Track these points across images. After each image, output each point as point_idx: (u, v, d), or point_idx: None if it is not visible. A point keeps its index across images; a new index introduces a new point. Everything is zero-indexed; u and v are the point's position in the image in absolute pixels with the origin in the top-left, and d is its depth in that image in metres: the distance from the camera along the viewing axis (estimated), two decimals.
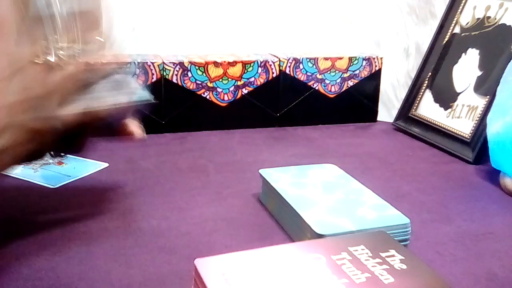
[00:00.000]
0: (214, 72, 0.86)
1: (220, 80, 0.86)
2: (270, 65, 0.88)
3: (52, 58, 0.44)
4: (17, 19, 0.43)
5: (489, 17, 0.84)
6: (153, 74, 0.82)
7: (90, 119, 0.48)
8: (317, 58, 0.91)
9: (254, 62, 0.87)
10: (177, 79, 0.84)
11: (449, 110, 0.85)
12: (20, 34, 0.44)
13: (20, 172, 0.66)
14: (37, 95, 0.43)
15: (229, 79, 0.87)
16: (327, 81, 0.92)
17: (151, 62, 0.82)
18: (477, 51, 0.84)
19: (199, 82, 0.85)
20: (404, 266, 0.41)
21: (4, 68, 0.42)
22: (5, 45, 0.43)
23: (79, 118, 0.46)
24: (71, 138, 0.50)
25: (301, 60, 0.90)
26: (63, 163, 0.70)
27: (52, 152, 0.52)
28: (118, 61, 0.49)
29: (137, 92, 0.54)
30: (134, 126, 0.55)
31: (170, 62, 0.83)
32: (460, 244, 0.54)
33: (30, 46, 0.44)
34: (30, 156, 0.47)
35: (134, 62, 0.81)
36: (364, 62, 0.94)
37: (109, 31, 0.48)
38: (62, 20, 0.47)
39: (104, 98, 0.50)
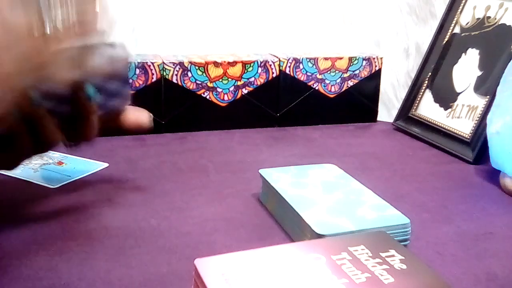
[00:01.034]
0: (214, 72, 0.86)
1: (220, 80, 0.86)
2: (270, 65, 0.88)
3: (48, 30, 0.43)
4: None
5: (489, 17, 0.85)
6: (153, 74, 0.82)
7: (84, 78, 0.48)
8: (317, 58, 0.91)
9: (254, 62, 0.87)
10: (177, 79, 0.84)
11: (449, 110, 0.85)
12: (16, 6, 0.43)
13: (20, 172, 0.66)
14: (35, 66, 0.43)
15: (229, 79, 0.87)
16: (327, 81, 0.92)
17: (151, 62, 0.82)
18: (477, 51, 0.84)
19: (199, 82, 0.85)
20: (404, 266, 0.41)
21: (1, 38, 0.41)
22: (1, 15, 0.42)
23: (75, 78, 0.46)
24: (78, 124, 0.50)
25: (301, 60, 0.90)
26: (63, 163, 0.70)
27: (66, 142, 0.52)
28: (112, 30, 0.49)
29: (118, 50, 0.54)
30: (141, 115, 0.56)
31: (170, 62, 0.83)
32: (460, 244, 0.54)
33: (26, 18, 0.43)
34: (36, 146, 0.46)
35: (134, 63, 0.81)
36: (364, 62, 0.94)
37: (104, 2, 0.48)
38: None
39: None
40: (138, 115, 0.56)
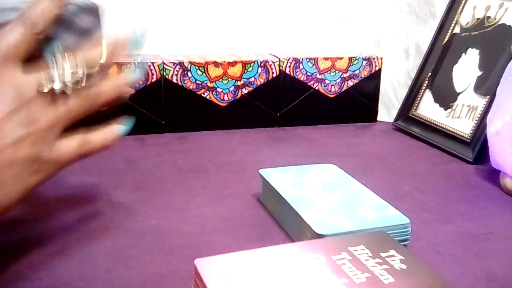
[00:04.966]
0: (214, 72, 0.86)
1: (220, 80, 0.86)
2: (270, 65, 0.88)
3: (57, 86, 0.43)
4: (24, 46, 0.42)
5: (489, 17, 0.85)
6: (153, 74, 0.82)
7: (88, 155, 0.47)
8: (317, 58, 0.91)
9: (254, 62, 0.87)
10: (177, 79, 0.84)
11: (449, 110, 0.85)
12: (26, 62, 0.43)
13: None
14: (41, 128, 0.42)
15: (229, 79, 0.87)
16: (327, 81, 0.92)
17: (151, 62, 0.82)
18: (477, 51, 0.84)
19: (199, 82, 0.85)
20: (404, 266, 0.41)
21: (12, 100, 0.41)
22: (12, 74, 0.42)
23: (77, 156, 0.46)
24: None
25: (301, 60, 0.90)
26: None
27: None
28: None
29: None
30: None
31: (170, 62, 0.83)
32: (460, 244, 0.54)
33: (36, 74, 0.43)
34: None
35: (134, 63, 0.81)
36: (364, 62, 0.94)
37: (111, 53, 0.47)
38: (65, 46, 0.46)
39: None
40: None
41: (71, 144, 0.45)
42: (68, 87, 0.43)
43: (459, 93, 0.85)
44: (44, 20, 0.43)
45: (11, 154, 0.41)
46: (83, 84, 0.44)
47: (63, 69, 0.43)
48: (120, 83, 0.48)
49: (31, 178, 0.43)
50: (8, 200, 0.42)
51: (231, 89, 0.87)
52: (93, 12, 0.49)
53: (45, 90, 0.42)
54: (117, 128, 0.49)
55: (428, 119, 0.88)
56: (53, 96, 0.43)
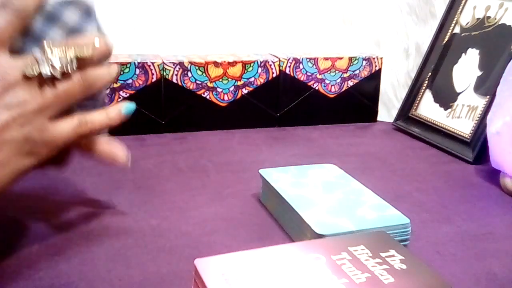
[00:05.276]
0: (214, 72, 0.86)
1: (220, 80, 0.86)
2: (270, 65, 0.88)
3: (46, 70, 0.42)
4: (9, 32, 0.42)
5: (489, 17, 0.85)
6: (153, 74, 0.82)
7: (84, 136, 0.47)
8: (317, 58, 0.91)
9: (254, 62, 0.87)
10: (177, 79, 0.84)
11: (449, 110, 0.85)
12: (13, 46, 0.43)
13: None
14: (29, 111, 0.42)
15: (229, 79, 0.87)
16: (327, 81, 0.92)
17: (151, 62, 0.82)
18: (477, 51, 0.84)
19: (199, 82, 0.85)
20: (404, 266, 0.41)
21: None
22: None
23: (74, 136, 0.46)
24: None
25: (301, 60, 0.90)
26: None
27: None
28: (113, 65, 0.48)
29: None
30: (116, 148, 0.51)
31: (170, 62, 0.83)
32: (460, 244, 0.54)
33: (22, 59, 0.43)
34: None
35: (134, 63, 0.81)
36: (364, 62, 0.94)
37: (103, 35, 0.46)
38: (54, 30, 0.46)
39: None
40: (112, 149, 0.51)
41: (66, 125, 0.45)
42: (56, 71, 0.43)
43: (459, 93, 0.85)
44: (29, 5, 0.43)
45: None
46: (74, 67, 0.44)
47: (51, 52, 0.43)
48: (115, 69, 0.47)
49: (23, 160, 0.43)
50: None
51: (231, 89, 0.87)
52: (83, 7, 0.49)
53: (31, 74, 0.42)
54: (123, 106, 0.49)
55: (428, 119, 0.88)
56: (41, 79, 0.43)
